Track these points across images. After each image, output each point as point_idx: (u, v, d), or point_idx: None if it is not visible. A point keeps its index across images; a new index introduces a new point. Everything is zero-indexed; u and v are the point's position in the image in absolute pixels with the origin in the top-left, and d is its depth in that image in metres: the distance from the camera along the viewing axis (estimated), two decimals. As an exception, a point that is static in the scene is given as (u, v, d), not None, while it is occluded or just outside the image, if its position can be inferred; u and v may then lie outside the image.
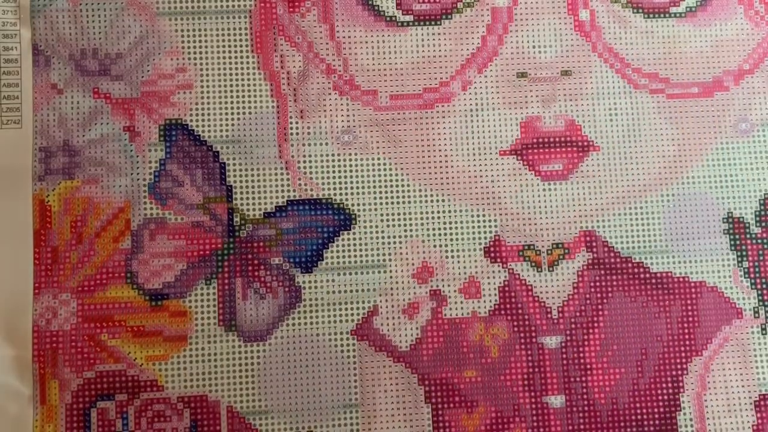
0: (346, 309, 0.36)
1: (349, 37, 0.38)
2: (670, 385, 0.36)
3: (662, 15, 0.38)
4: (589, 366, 0.36)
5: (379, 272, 0.36)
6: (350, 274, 0.36)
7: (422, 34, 0.38)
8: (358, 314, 0.36)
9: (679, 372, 0.36)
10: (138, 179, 0.36)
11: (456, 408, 0.35)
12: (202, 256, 0.36)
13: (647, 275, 0.37)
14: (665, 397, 0.36)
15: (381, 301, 0.36)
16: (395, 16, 0.38)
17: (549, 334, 0.36)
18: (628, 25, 0.38)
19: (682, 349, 0.36)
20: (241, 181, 0.36)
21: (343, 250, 0.36)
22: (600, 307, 0.36)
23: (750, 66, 0.38)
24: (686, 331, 0.36)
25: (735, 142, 0.38)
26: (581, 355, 0.36)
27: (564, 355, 0.36)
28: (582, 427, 0.35)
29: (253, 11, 0.38)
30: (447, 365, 0.36)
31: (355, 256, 0.36)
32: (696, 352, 0.36)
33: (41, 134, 0.36)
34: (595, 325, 0.36)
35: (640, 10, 0.38)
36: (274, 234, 0.36)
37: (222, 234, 0.36)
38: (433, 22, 0.38)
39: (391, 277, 0.36)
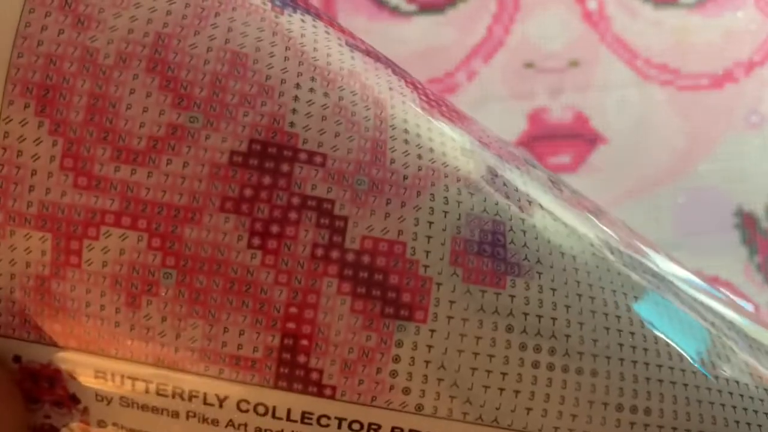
0: None
1: (352, 26, 0.37)
2: None
3: (671, 5, 0.38)
4: None
5: None
6: None
7: (426, 24, 0.37)
8: None
9: None
10: None
11: None
12: None
13: None
14: None
15: None
16: (399, 6, 0.37)
17: None
18: (636, 15, 0.37)
19: None
20: None
21: None
22: None
23: (761, 57, 0.38)
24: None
25: (746, 135, 0.37)
26: None
27: None
28: None
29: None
30: None
31: None
32: None
33: None
34: None
35: (649, 0, 0.38)
36: None
37: None
38: (437, 12, 0.37)
39: None
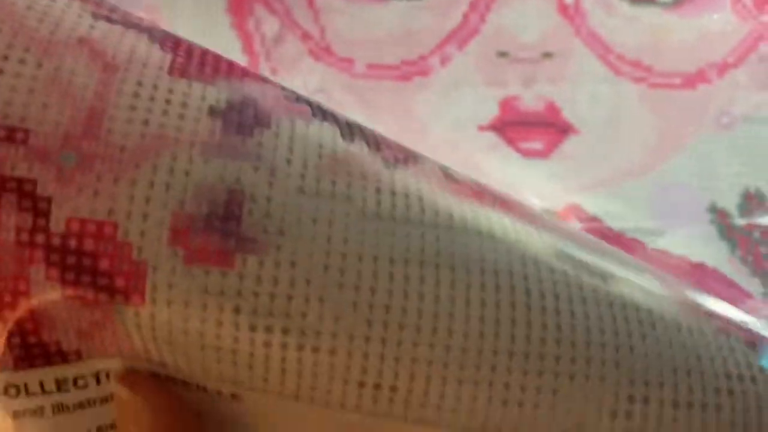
0: None
1: (330, 6, 0.37)
2: None
3: (648, 3, 0.38)
4: None
5: None
6: None
7: (403, 7, 0.37)
8: None
9: None
10: None
11: None
12: None
13: (646, 251, 0.35)
14: None
15: None
16: (376, -10, 0.37)
17: None
18: (613, 11, 0.37)
19: None
20: None
21: None
22: None
23: (734, 60, 0.38)
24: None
25: (716, 136, 0.37)
26: None
27: None
28: None
29: (229, -20, 0.37)
30: None
31: None
32: None
33: None
34: None
35: (626, -3, 0.38)
36: None
37: None
38: None
39: None
